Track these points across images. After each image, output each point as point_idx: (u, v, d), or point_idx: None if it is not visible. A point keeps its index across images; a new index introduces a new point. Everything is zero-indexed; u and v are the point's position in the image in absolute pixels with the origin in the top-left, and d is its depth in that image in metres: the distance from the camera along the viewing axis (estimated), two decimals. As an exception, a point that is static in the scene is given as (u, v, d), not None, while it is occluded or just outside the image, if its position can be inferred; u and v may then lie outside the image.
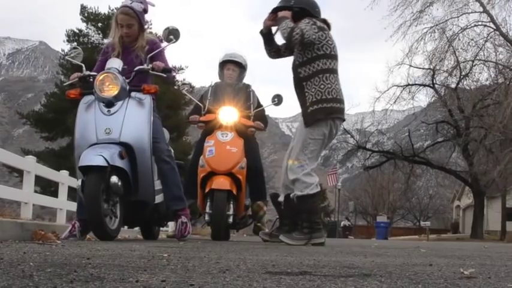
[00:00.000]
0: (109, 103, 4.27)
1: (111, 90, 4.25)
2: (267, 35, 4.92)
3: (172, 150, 4.88)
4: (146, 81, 4.55)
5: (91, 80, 4.41)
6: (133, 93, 4.38)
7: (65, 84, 5.16)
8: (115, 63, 4.43)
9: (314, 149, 4.62)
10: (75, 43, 28.65)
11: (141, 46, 4.69)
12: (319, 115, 4.58)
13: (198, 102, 6.08)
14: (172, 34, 4.65)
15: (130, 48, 4.69)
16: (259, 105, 6.09)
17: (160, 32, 5.04)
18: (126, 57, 4.63)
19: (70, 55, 4.77)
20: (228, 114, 5.75)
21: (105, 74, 4.29)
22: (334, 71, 4.65)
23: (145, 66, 4.53)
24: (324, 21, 4.74)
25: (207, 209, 5.40)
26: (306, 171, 4.56)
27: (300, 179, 4.55)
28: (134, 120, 4.30)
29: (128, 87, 4.36)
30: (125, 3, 4.64)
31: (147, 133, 4.33)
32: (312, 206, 4.61)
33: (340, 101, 4.67)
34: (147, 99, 4.43)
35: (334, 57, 4.67)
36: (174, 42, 4.66)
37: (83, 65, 4.57)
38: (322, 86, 4.56)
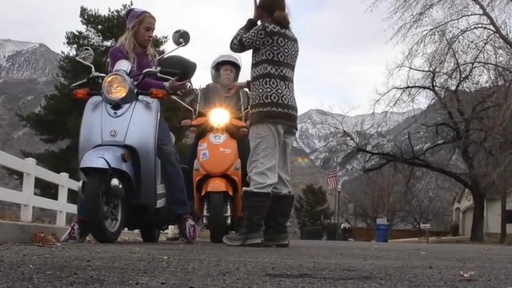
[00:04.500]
0: (116, 105, 4.27)
1: (118, 92, 4.25)
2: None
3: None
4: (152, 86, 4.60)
5: (99, 81, 4.41)
6: (140, 97, 4.38)
7: (73, 85, 5.23)
8: (123, 65, 4.44)
9: (266, 147, 4.53)
10: (75, 45, 28.71)
11: (153, 53, 4.84)
12: (253, 119, 4.60)
13: (189, 107, 6.08)
14: (182, 37, 4.69)
15: (143, 53, 4.80)
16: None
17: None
18: (140, 61, 4.67)
19: (81, 56, 4.77)
20: (219, 116, 5.75)
21: (114, 76, 4.29)
22: (275, 76, 4.60)
23: (153, 68, 4.54)
24: (283, 18, 4.72)
25: (205, 212, 5.42)
26: (258, 170, 4.49)
27: (251, 177, 4.53)
28: (140, 124, 4.29)
29: (136, 90, 4.37)
30: (143, 10, 4.88)
31: (153, 137, 4.33)
32: (255, 205, 4.49)
33: (282, 105, 4.57)
34: (155, 103, 4.43)
35: (277, 62, 4.62)
36: (184, 45, 4.69)
37: (92, 66, 4.58)
38: (260, 91, 4.58)
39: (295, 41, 4.78)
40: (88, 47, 5.10)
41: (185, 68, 4.80)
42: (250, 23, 4.74)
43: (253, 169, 4.52)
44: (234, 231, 5.61)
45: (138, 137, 4.26)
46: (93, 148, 4.12)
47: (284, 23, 4.73)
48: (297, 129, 4.88)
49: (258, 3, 4.80)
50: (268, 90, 4.56)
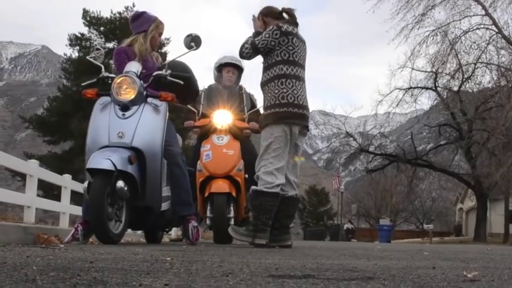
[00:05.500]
0: (124, 107, 4.26)
1: (127, 94, 4.25)
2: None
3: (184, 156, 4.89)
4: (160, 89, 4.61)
5: (109, 82, 4.41)
6: (149, 99, 4.38)
7: (82, 84, 5.30)
8: (133, 67, 4.43)
9: (277, 147, 4.53)
10: (78, 47, 28.76)
11: (156, 55, 4.89)
12: (268, 120, 4.58)
13: (192, 108, 6.09)
14: (194, 41, 4.68)
15: (148, 54, 4.82)
16: (253, 106, 6.10)
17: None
18: (146, 63, 4.69)
19: (91, 55, 4.75)
20: (222, 118, 5.76)
21: (123, 77, 4.29)
22: (291, 77, 4.59)
23: (163, 71, 4.54)
24: (291, 18, 4.74)
25: (208, 213, 5.43)
26: (267, 169, 4.49)
27: (259, 176, 4.53)
28: (148, 126, 4.29)
29: (145, 92, 4.37)
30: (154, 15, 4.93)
31: (160, 140, 4.33)
32: (263, 204, 4.48)
33: (298, 106, 4.58)
34: (163, 107, 4.43)
35: (292, 62, 4.62)
36: (195, 49, 4.67)
37: (103, 66, 4.58)
38: (276, 91, 4.56)
39: (304, 42, 4.79)
40: (99, 47, 5.10)
41: (190, 77, 4.79)
42: (258, 34, 4.70)
43: (261, 168, 4.53)
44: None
45: (146, 140, 4.26)
46: (100, 149, 4.12)
47: (294, 18, 4.74)
48: (308, 130, 4.89)
49: (260, 14, 4.81)
50: (285, 90, 4.55)
